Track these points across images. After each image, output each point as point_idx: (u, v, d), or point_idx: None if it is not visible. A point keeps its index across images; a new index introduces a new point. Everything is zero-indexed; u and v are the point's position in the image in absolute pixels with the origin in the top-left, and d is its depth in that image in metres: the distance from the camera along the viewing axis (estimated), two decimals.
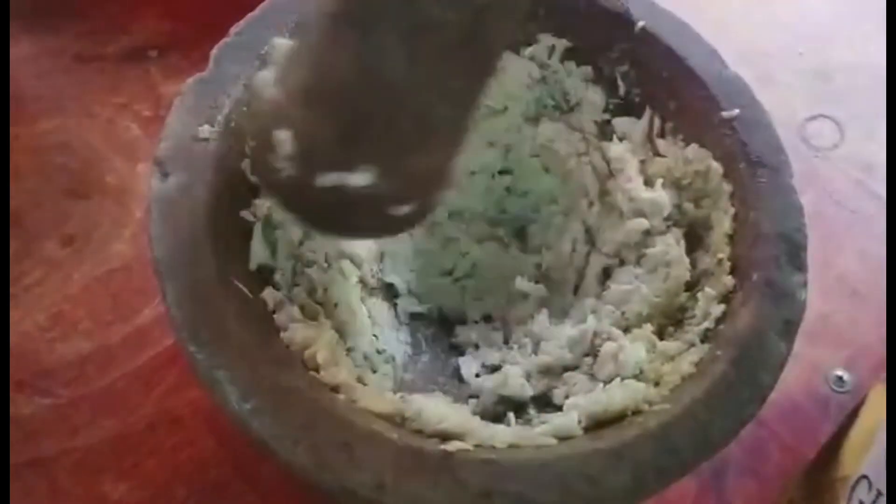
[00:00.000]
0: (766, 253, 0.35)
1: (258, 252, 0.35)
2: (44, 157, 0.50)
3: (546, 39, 0.43)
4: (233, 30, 0.38)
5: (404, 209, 0.31)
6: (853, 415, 0.41)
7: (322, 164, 0.29)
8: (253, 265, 0.34)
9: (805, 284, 0.35)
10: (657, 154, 0.41)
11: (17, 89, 0.53)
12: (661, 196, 0.40)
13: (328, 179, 0.29)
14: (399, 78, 0.28)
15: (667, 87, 0.41)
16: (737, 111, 0.38)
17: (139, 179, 0.49)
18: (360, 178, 0.29)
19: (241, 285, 0.33)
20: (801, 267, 0.35)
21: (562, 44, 0.43)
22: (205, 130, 0.35)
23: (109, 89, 0.53)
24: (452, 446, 0.30)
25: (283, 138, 0.29)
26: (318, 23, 0.28)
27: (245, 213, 0.35)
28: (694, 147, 0.39)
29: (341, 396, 0.32)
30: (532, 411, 0.37)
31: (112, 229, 0.48)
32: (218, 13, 0.39)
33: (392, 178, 0.29)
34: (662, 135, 0.41)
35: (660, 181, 0.40)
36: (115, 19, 0.56)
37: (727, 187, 0.38)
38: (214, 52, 0.37)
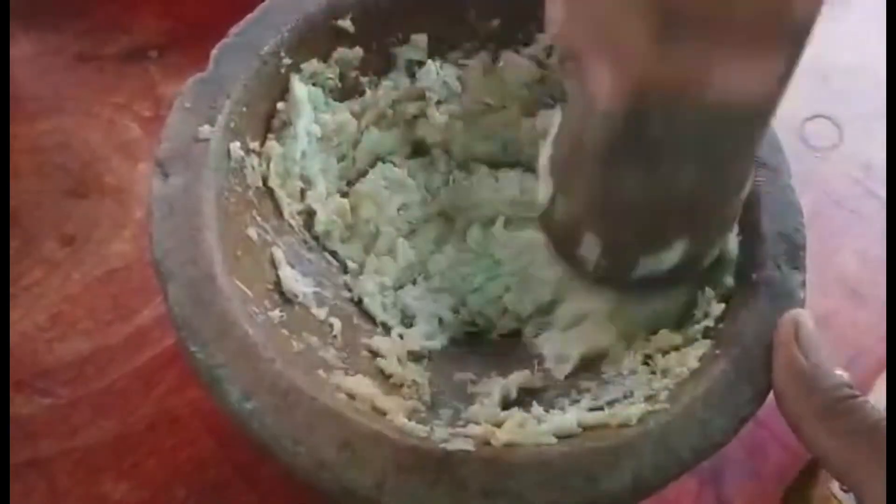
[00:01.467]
0: (766, 253, 0.35)
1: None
2: (43, 156, 0.50)
3: (546, 39, 0.43)
4: (233, 30, 0.38)
5: (712, 256, 0.35)
6: None
7: (635, 258, 0.34)
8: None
9: (804, 284, 0.35)
10: None
11: (17, 89, 0.53)
12: None
13: (644, 269, 0.34)
14: (691, 186, 0.32)
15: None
16: None
17: (139, 179, 0.49)
18: (675, 253, 0.34)
19: (241, 285, 0.33)
20: (800, 267, 0.35)
21: None
22: (205, 130, 0.35)
23: (109, 89, 0.53)
24: (452, 445, 0.30)
25: (592, 242, 0.34)
26: (587, 152, 0.32)
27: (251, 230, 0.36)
28: None
29: (342, 396, 0.32)
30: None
31: (112, 229, 0.48)
32: (218, 13, 0.39)
33: (700, 240, 0.34)
34: None
35: None
36: (115, 19, 0.56)
37: None
38: (214, 52, 0.37)
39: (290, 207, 0.39)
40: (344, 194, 0.42)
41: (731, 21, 0.26)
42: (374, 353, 0.37)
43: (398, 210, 0.43)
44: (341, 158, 0.43)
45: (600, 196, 0.33)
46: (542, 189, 0.36)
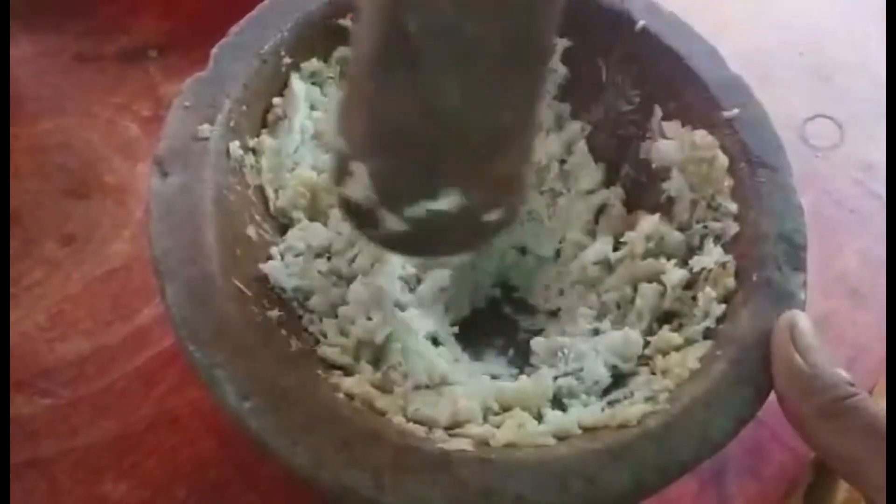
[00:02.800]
0: (766, 253, 0.35)
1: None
2: (44, 156, 0.50)
3: None
4: (232, 29, 0.38)
5: (494, 215, 0.32)
6: None
7: (405, 200, 0.30)
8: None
9: (805, 284, 0.35)
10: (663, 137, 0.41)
11: (17, 89, 0.53)
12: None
13: (416, 211, 0.30)
14: (458, 104, 0.28)
15: (667, 87, 0.41)
16: (737, 111, 0.38)
17: (139, 179, 0.49)
18: (446, 202, 0.30)
19: (240, 284, 0.33)
20: (800, 267, 0.35)
21: (562, 44, 0.43)
22: (204, 130, 0.35)
23: (109, 89, 0.53)
24: (451, 446, 0.30)
25: (361, 176, 0.30)
26: (362, 70, 0.29)
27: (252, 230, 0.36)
28: (702, 133, 0.39)
29: (341, 395, 0.32)
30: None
31: (112, 229, 0.48)
32: (217, 13, 0.39)
33: (476, 190, 0.30)
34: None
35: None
36: (115, 19, 0.56)
37: (729, 182, 0.38)
38: (214, 51, 0.37)
39: (275, 203, 0.39)
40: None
41: None
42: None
43: None
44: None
45: (369, 123, 0.30)
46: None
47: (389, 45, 0.27)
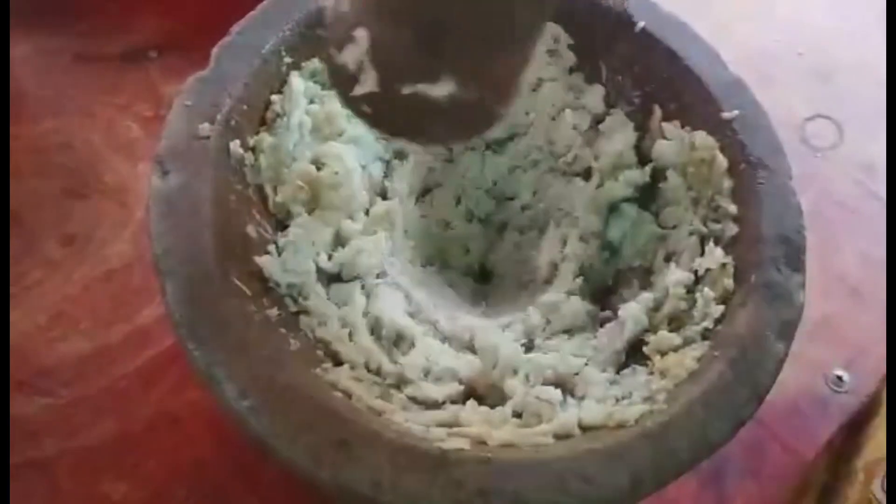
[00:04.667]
0: (765, 254, 0.35)
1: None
2: (44, 157, 0.50)
3: None
4: (234, 29, 0.38)
5: (481, 114, 0.31)
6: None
7: (402, 74, 0.29)
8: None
9: (803, 286, 0.35)
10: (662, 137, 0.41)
11: (17, 89, 0.53)
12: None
13: (409, 90, 0.29)
14: None
15: (667, 87, 0.41)
16: (737, 112, 0.38)
17: (139, 179, 0.50)
18: (441, 88, 0.29)
19: (240, 283, 0.33)
20: (799, 268, 0.35)
21: (563, 42, 0.43)
22: (205, 129, 0.35)
23: (109, 89, 0.53)
24: (449, 445, 0.30)
25: (362, 42, 0.29)
26: None
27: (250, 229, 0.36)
28: (702, 134, 0.39)
29: (340, 394, 0.32)
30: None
31: (112, 229, 0.48)
32: (218, 13, 0.39)
33: (472, 85, 0.29)
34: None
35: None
36: (115, 19, 0.57)
37: (729, 183, 0.38)
38: (215, 50, 0.37)
39: (274, 199, 0.38)
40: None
41: None
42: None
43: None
44: None
45: None
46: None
47: None
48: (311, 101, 0.40)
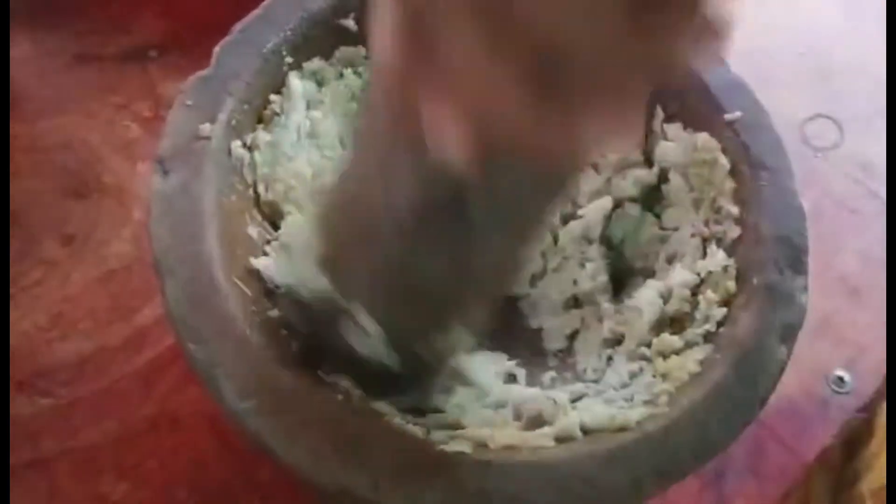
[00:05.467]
0: (767, 256, 0.35)
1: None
2: (43, 156, 0.50)
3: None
4: (235, 28, 0.38)
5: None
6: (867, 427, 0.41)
7: (411, 338, 0.31)
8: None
9: (805, 288, 0.34)
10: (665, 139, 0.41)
11: (17, 89, 0.53)
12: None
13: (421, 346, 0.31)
14: (497, 259, 0.29)
15: (669, 89, 0.41)
16: (739, 114, 0.38)
17: (139, 179, 0.49)
18: (453, 335, 0.31)
19: (240, 283, 0.33)
20: (801, 271, 0.35)
21: None
22: (206, 128, 0.35)
23: (109, 89, 0.53)
24: (450, 448, 0.30)
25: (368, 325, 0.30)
26: (394, 226, 0.28)
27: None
28: (704, 135, 0.39)
29: (340, 396, 0.32)
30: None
31: (112, 229, 0.48)
32: (218, 13, 0.39)
33: (471, 319, 0.32)
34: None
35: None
36: (115, 19, 0.56)
37: (730, 184, 0.38)
38: (216, 49, 0.37)
39: (265, 195, 0.38)
40: None
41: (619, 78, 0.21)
42: None
43: None
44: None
45: (387, 272, 0.29)
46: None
47: (443, 208, 0.26)
48: (310, 105, 0.40)
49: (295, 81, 0.39)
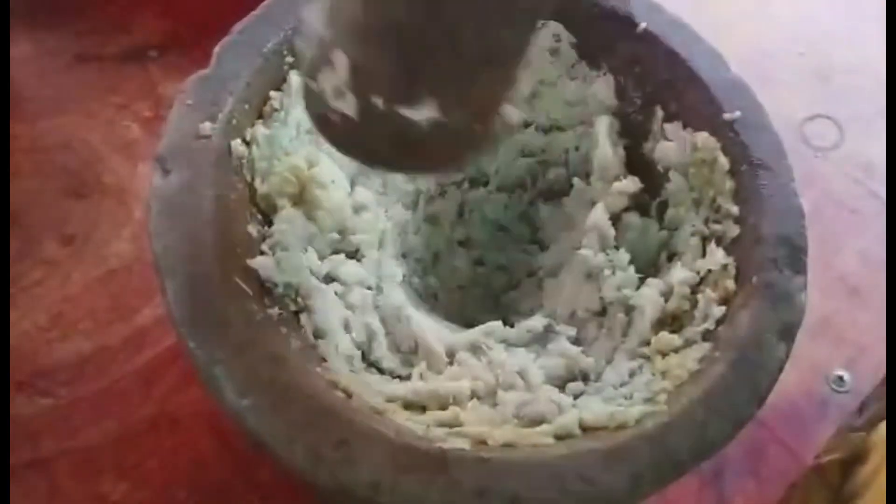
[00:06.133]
0: (767, 255, 0.35)
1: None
2: (44, 156, 0.50)
3: None
4: (236, 27, 0.38)
5: (467, 140, 0.30)
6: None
7: (383, 100, 0.28)
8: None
9: (805, 287, 0.34)
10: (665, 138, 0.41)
11: (17, 89, 0.53)
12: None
13: (390, 116, 0.28)
14: (459, 9, 0.26)
15: (669, 88, 0.41)
16: (738, 113, 0.38)
17: (139, 179, 0.50)
18: (423, 113, 0.28)
19: (240, 282, 0.33)
20: (801, 270, 0.35)
21: (565, 42, 0.43)
22: (206, 128, 0.35)
23: (109, 89, 0.53)
24: (449, 445, 0.30)
25: (341, 67, 0.28)
26: None
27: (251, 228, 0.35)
28: (704, 135, 0.39)
29: (339, 394, 0.32)
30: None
31: (112, 229, 0.48)
32: (218, 13, 0.39)
33: (456, 110, 0.29)
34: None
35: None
36: (115, 19, 0.57)
37: (730, 184, 0.38)
38: (217, 49, 0.37)
39: (260, 188, 0.38)
40: None
41: None
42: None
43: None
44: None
45: (364, 11, 0.27)
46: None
47: None
48: None
49: (295, 78, 0.39)
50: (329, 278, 0.38)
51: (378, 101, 0.28)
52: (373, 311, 0.38)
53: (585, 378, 0.37)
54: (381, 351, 0.37)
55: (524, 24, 0.29)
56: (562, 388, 0.37)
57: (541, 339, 0.39)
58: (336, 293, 0.37)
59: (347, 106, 0.29)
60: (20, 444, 0.41)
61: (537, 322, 0.39)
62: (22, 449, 0.41)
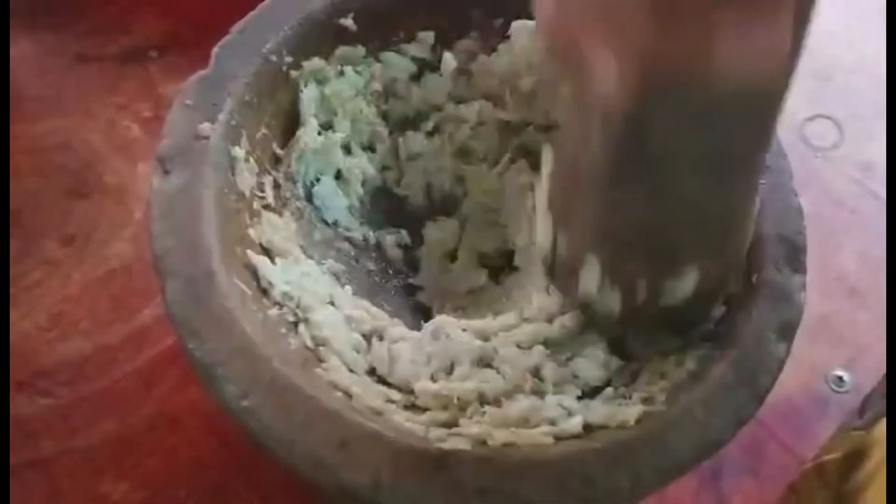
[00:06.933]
0: (766, 255, 0.35)
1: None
2: (44, 156, 0.50)
3: (538, 41, 0.43)
4: (235, 28, 0.38)
5: (721, 290, 0.35)
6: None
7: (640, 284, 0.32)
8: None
9: (804, 287, 0.35)
10: None
11: (17, 89, 0.53)
12: None
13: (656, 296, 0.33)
14: (693, 198, 0.30)
15: None
16: None
17: (139, 179, 0.50)
18: (689, 279, 0.32)
19: (240, 282, 0.33)
20: (800, 269, 0.35)
21: None
22: (205, 128, 0.35)
23: (109, 89, 0.53)
24: (449, 445, 0.30)
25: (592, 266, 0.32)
26: (589, 177, 0.30)
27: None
28: None
29: (340, 394, 0.32)
30: None
31: (112, 229, 0.48)
32: (218, 13, 0.39)
33: (711, 265, 0.33)
34: None
35: None
36: (115, 19, 0.56)
37: None
38: (216, 49, 0.37)
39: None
40: None
41: None
42: None
43: None
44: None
45: (603, 219, 0.31)
46: (542, 230, 0.35)
47: (629, 147, 0.28)
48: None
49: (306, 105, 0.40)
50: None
51: (642, 284, 0.32)
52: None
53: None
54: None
55: (745, 194, 0.32)
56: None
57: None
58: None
59: (612, 301, 0.33)
60: (20, 444, 0.41)
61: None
62: (22, 449, 0.41)
